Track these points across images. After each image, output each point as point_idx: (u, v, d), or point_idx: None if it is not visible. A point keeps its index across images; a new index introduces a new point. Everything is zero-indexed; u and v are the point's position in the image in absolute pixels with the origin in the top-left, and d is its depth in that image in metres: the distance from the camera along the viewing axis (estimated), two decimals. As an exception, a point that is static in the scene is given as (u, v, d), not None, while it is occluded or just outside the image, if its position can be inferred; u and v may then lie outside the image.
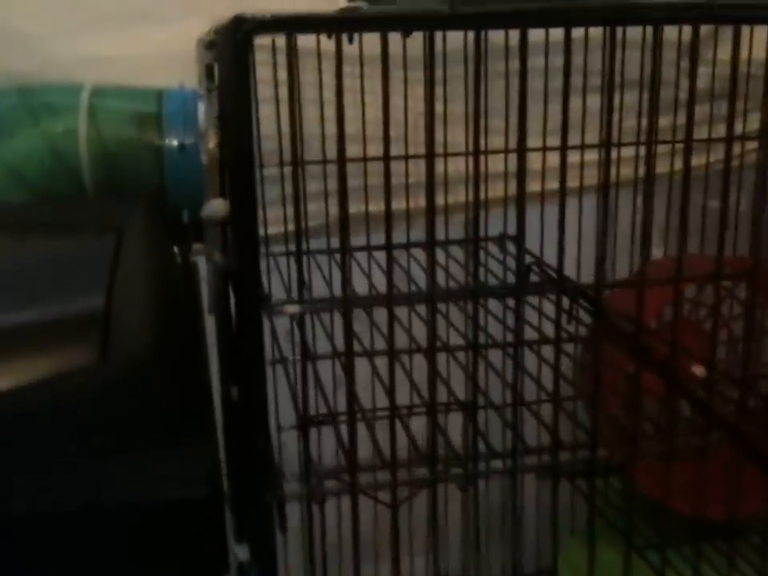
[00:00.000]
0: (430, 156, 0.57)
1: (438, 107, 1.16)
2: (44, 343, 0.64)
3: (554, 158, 1.13)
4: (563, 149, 0.62)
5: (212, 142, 0.65)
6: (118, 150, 0.81)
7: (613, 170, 1.14)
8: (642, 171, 1.17)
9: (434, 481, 0.61)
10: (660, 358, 0.76)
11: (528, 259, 1.07)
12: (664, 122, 1.18)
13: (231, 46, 0.50)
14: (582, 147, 1.15)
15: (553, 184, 1.14)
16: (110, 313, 0.67)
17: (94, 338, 0.64)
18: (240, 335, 0.56)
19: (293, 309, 0.58)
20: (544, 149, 1.13)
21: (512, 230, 1.15)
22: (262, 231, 0.54)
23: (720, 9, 0.55)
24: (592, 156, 1.14)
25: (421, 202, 1.15)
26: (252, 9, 0.77)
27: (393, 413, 0.61)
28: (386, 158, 0.58)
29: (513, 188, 1.15)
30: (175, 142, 0.81)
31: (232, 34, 0.49)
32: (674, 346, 0.70)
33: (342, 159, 0.54)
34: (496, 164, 1.15)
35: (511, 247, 1.14)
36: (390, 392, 0.61)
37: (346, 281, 0.58)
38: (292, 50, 0.51)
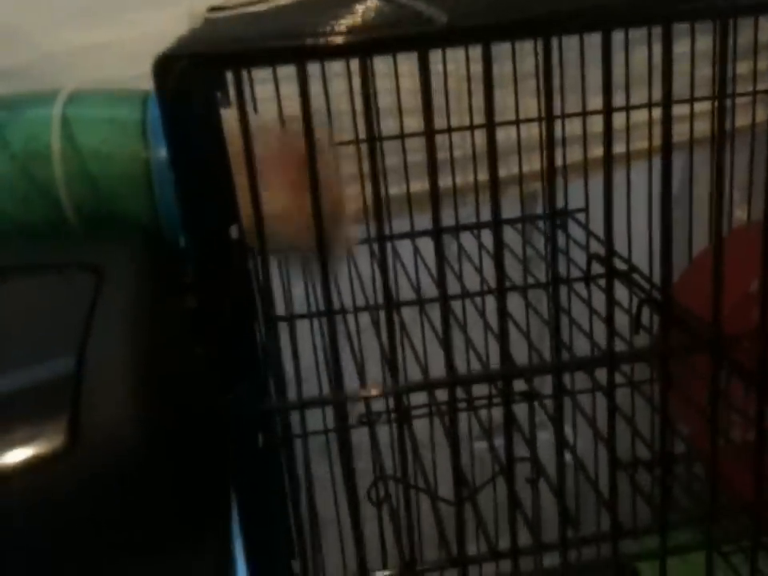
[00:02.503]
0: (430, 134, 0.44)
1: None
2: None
3: (619, 120, 0.99)
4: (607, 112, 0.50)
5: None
6: (99, 169, 0.70)
7: (686, 127, 0.99)
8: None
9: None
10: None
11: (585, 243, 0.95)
12: (742, 68, 1.03)
13: (159, 93, 0.38)
14: (650, 106, 1.00)
15: (619, 148, 1.00)
16: (82, 380, 0.56)
17: (61, 415, 0.53)
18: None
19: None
20: (607, 111, 0.99)
21: (575, 203, 1.03)
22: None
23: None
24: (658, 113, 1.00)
25: (467, 177, 1.02)
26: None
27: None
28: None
29: (574, 156, 1.04)
30: (164, 154, 0.69)
31: (158, 81, 0.38)
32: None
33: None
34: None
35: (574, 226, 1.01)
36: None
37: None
38: (241, 92, 0.39)
